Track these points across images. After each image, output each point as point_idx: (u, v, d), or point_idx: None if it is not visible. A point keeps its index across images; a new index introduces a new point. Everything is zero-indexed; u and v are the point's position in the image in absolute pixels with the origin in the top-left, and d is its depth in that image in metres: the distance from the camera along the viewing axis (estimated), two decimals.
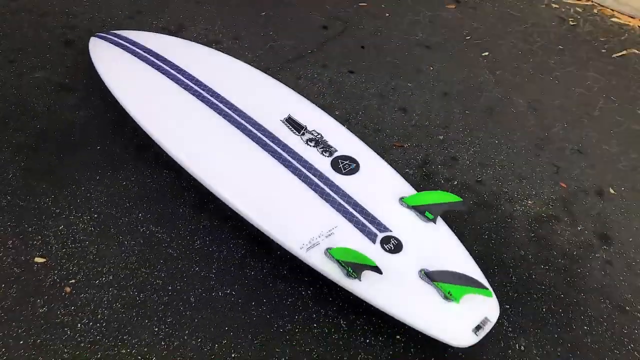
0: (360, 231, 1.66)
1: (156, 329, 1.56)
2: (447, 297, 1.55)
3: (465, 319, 1.53)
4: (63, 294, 1.61)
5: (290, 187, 1.75)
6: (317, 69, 2.61)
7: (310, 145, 1.88)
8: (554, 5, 3.36)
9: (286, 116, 1.98)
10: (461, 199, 1.69)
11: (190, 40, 2.55)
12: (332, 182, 1.78)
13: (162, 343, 1.53)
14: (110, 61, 2.21)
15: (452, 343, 1.50)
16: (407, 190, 1.82)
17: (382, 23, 3.00)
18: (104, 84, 2.07)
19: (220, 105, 1.99)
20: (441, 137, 2.32)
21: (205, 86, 2.07)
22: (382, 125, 2.33)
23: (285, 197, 1.73)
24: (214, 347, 1.54)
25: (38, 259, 1.68)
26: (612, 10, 3.36)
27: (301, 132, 1.92)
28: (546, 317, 1.72)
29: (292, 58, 2.66)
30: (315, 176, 1.78)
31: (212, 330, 1.57)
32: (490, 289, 1.55)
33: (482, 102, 2.54)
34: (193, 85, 2.07)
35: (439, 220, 1.74)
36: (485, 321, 1.53)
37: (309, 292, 1.70)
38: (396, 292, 1.55)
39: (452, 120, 2.41)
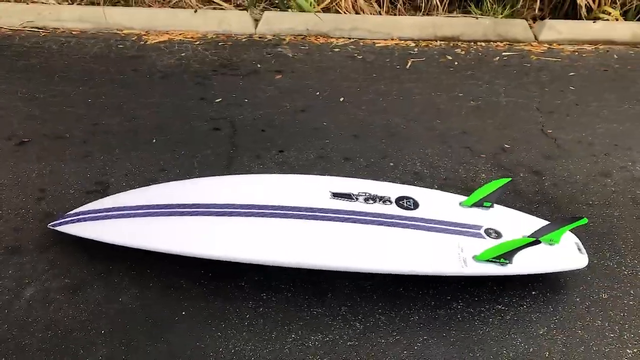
0: (471, 236, 2.05)
1: None
2: (551, 243, 2.08)
3: (568, 250, 2.09)
4: None
5: (399, 237, 2.01)
6: (255, 160, 2.79)
7: (371, 203, 2.16)
8: (336, 50, 4.14)
9: (330, 194, 2.19)
10: (509, 179, 2.23)
11: (126, 189, 2.46)
12: (414, 217, 2.11)
13: None
14: (113, 232, 2.04)
15: (578, 267, 2.04)
16: (455, 197, 2.28)
17: (250, 108, 3.29)
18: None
19: (270, 210, 2.08)
20: (392, 164, 2.80)
21: (235, 205, 2.11)
22: (350, 176, 2.68)
23: (405, 244, 1.99)
24: None
25: None
26: (371, 39, 4.32)
27: (354, 198, 2.18)
28: (592, 229, 2.37)
29: (226, 163, 2.77)
30: (402, 220, 2.09)
31: None
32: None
33: (380, 131, 3.10)
34: (227, 210, 2.09)
35: (495, 204, 2.25)
36: (579, 245, 2.12)
37: (460, 305, 2.01)
38: (526, 257, 2.00)
39: (381, 150, 2.91)
